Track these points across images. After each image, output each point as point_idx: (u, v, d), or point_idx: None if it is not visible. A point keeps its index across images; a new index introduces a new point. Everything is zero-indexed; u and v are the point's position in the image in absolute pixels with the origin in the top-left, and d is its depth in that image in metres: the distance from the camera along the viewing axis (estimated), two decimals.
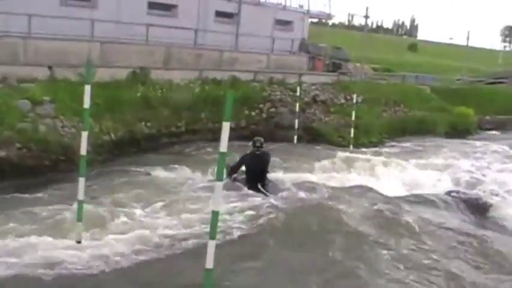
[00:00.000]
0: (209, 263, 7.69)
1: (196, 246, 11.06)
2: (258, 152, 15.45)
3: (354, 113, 25.41)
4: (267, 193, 14.78)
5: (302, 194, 14.96)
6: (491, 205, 16.67)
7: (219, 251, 7.94)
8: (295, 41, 41.75)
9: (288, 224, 12.51)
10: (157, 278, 10.09)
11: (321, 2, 45.47)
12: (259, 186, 15.10)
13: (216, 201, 7.84)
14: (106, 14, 29.82)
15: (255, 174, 15.40)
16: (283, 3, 43.38)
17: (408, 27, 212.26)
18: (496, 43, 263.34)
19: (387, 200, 15.48)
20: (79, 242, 10.90)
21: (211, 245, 7.66)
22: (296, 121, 25.31)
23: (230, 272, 9.92)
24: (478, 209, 16.40)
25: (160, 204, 14.07)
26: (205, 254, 7.74)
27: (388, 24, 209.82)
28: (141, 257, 10.72)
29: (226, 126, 7.52)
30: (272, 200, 14.06)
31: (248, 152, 15.72)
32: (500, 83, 59.74)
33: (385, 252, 11.36)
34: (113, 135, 20.48)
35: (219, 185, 7.71)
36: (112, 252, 10.74)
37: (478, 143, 31.78)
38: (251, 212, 13.23)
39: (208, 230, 7.86)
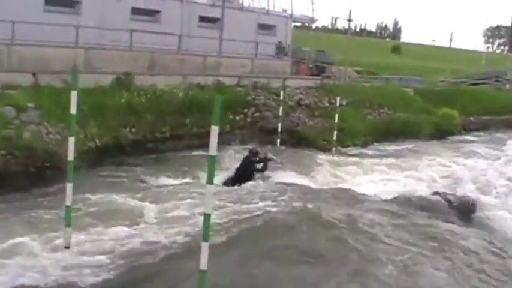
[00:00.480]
0: (203, 265, 7.79)
1: (189, 249, 11.13)
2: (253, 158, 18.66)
3: (336, 116, 25.47)
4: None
5: (285, 197, 15.11)
6: (476, 205, 16.76)
7: (213, 252, 8.03)
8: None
9: (276, 226, 12.64)
10: (150, 281, 10.16)
11: (304, 6, 45.38)
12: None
13: (207, 204, 7.92)
14: (90, 20, 29.85)
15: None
16: (266, 8, 43.40)
17: (391, 29, 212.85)
18: (479, 44, 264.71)
19: (370, 202, 15.63)
20: (67, 247, 10.95)
21: (205, 246, 7.75)
22: (279, 125, 25.42)
23: (224, 273, 10.00)
24: (464, 209, 16.47)
25: (149, 208, 14.18)
26: (199, 255, 7.82)
27: (371, 27, 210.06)
28: (133, 261, 10.81)
29: (215, 130, 7.64)
30: (258, 203, 14.25)
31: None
32: (483, 83, 60.14)
33: (369, 254, 11.45)
34: (97, 141, 20.51)
35: (210, 187, 7.81)
36: (102, 256, 10.82)
37: (462, 144, 32.10)
38: (240, 215, 13.38)
39: (200, 232, 7.94)
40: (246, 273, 10.26)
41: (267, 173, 19.15)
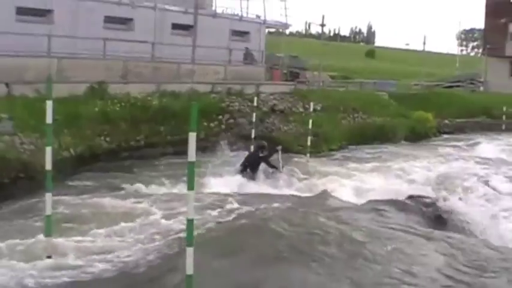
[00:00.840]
0: (189, 269, 7.88)
1: (172, 254, 11.18)
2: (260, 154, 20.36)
3: (310, 122, 25.59)
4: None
5: (257, 203, 15.25)
6: (450, 208, 16.83)
7: (198, 256, 8.12)
8: (253, 52, 41.88)
9: (254, 230, 12.73)
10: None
11: (277, 12, 45.53)
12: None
13: (189, 209, 7.98)
14: (62, 29, 29.73)
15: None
16: (239, 14, 43.52)
17: (365, 34, 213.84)
18: (452, 47, 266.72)
19: (343, 207, 15.72)
20: (49, 257, 10.95)
21: (189, 251, 7.83)
22: (253, 131, 25.49)
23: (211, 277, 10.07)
24: (438, 212, 16.54)
25: (127, 215, 14.17)
26: (184, 260, 7.88)
27: (345, 32, 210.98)
28: (116, 268, 10.78)
29: (192, 137, 7.74)
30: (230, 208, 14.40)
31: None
32: (458, 86, 60.76)
33: (342, 259, 11.55)
34: (72, 150, 20.51)
35: (191, 193, 7.89)
36: (85, 265, 10.82)
37: (437, 147, 32.41)
38: (220, 219, 13.49)
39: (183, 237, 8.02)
40: (231, 277, 10.35)
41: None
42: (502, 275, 11.08)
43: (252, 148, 24.26)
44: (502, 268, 11.50)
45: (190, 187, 7.93)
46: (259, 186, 19.37)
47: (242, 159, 20.53)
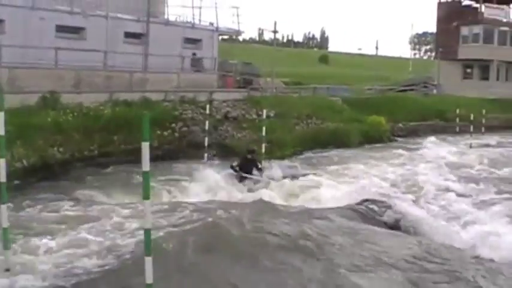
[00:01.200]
0: (149, 279, 7.98)
1: (130, 265, 11.19)
2: (249, 156, 21.96)
3: (264, 128, 25.75)
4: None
5: (213, 211, 15.38)
6: (402, 210, 17.01)
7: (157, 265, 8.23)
8: (206, 59, 41.95)
9: (211, 238, 12.85)
10: None
11: (230, 18, 45.59)
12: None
13: (146, 219, 8.08)
14: (13, 38, 29.51)
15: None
16: (192, 22, 43.57)
17: (319, 39, 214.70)
18: (405, 51, 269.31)
19: (295, 214, 15.89)
20: (8, 270, 10.92)
21: (148, 261, 7.94)
22: (206, 139, 25.58)
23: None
24: (391, 215, 16.69)
25: (85, 227, 14.09)
26: (143, 270, 8.01)
27: (299, 38, 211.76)
28: (74, 279, 10.74)
29: (146, 146, 7.86)
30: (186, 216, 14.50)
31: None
32: (411, 90, 61.42)
33: (293, 265, 11.75)
34: (25, 161, 20.39)
35: (147, 203, 7.98)
36: (43, 276, 10.79)
37: (390, 150, 32.76)
38: (178, 228, 13.59)
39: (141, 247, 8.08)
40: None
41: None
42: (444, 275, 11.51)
43: (205, 156, 24.55)
44: (444, 269, 11.91)
45: (146, 196, 8.02)
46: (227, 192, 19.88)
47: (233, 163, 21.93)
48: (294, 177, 22.25)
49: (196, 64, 40.89)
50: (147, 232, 7.97)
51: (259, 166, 22.03)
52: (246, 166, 21.58)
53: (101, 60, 32.47)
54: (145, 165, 7.86)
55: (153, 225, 8.69)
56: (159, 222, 13.92)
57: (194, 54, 41.39)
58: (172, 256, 11.66)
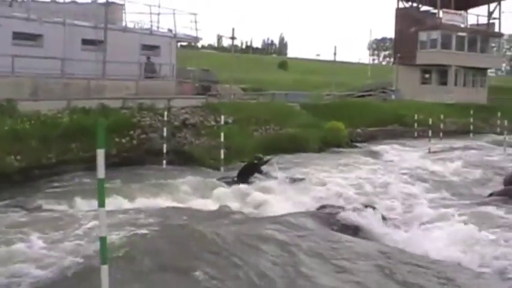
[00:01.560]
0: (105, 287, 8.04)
1: (86, 273, 11.08)
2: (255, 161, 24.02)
3: (222, 134, 25.92)
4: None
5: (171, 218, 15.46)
6: (360, 216, 17.07)
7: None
8: (164, 66, 41.92)
9: (168, 245, 12.91)
10: None
11: (188, 25, 45.61)
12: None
13: (101, 227, 8.06)
14: None
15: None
16: (150, 28, 43.56)
17: (278, 45, 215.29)
18: (364, 57, 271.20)
19: (252, 221, 16.03)
20: None
21: (104, 269, 7.92)
22: (164, 145, 25.66)
23: None
24: (349, 221, 16.76)
25: (42, 235, 13.91)
26: (99, 279, 8.00)
27: (257, 44, 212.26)
28: None
29: (101, 153, 7.85)
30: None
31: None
32: (369, 95, 62.07)
33: (247, 273, 11.85)
34: None
35: (102, 211, 7.94)
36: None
37: (348, 156, 33.07)
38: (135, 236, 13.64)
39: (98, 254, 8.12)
40: None
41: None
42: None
43: (164, 162, 24.65)
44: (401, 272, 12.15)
45: (101, 204, 7.96)
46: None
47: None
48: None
49: (151, 69, 40.58)
50: (103, 239, 7.97)
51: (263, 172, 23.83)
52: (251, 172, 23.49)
53: (58, 67, 32.34)
54: (101, 172, 7.88)
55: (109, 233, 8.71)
56: (120, 228, 13.95)
57: (149, 58, 41.01)
58: (129, 263, 11.68)
